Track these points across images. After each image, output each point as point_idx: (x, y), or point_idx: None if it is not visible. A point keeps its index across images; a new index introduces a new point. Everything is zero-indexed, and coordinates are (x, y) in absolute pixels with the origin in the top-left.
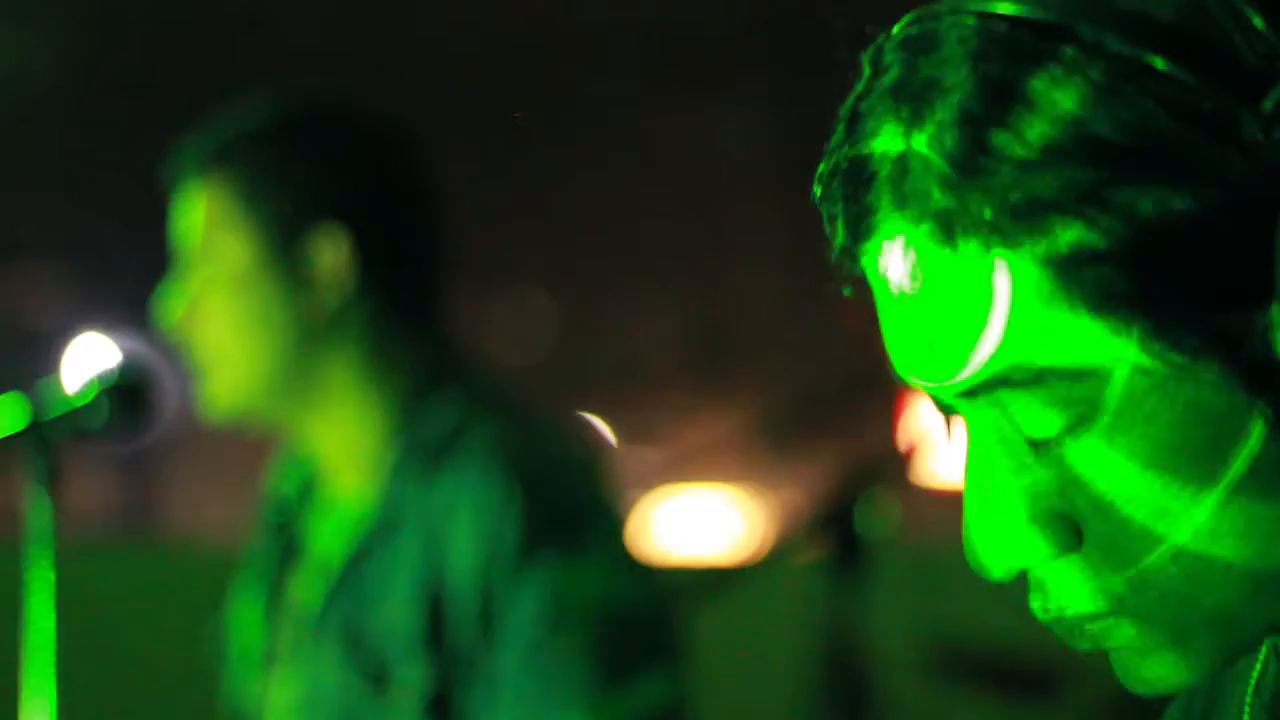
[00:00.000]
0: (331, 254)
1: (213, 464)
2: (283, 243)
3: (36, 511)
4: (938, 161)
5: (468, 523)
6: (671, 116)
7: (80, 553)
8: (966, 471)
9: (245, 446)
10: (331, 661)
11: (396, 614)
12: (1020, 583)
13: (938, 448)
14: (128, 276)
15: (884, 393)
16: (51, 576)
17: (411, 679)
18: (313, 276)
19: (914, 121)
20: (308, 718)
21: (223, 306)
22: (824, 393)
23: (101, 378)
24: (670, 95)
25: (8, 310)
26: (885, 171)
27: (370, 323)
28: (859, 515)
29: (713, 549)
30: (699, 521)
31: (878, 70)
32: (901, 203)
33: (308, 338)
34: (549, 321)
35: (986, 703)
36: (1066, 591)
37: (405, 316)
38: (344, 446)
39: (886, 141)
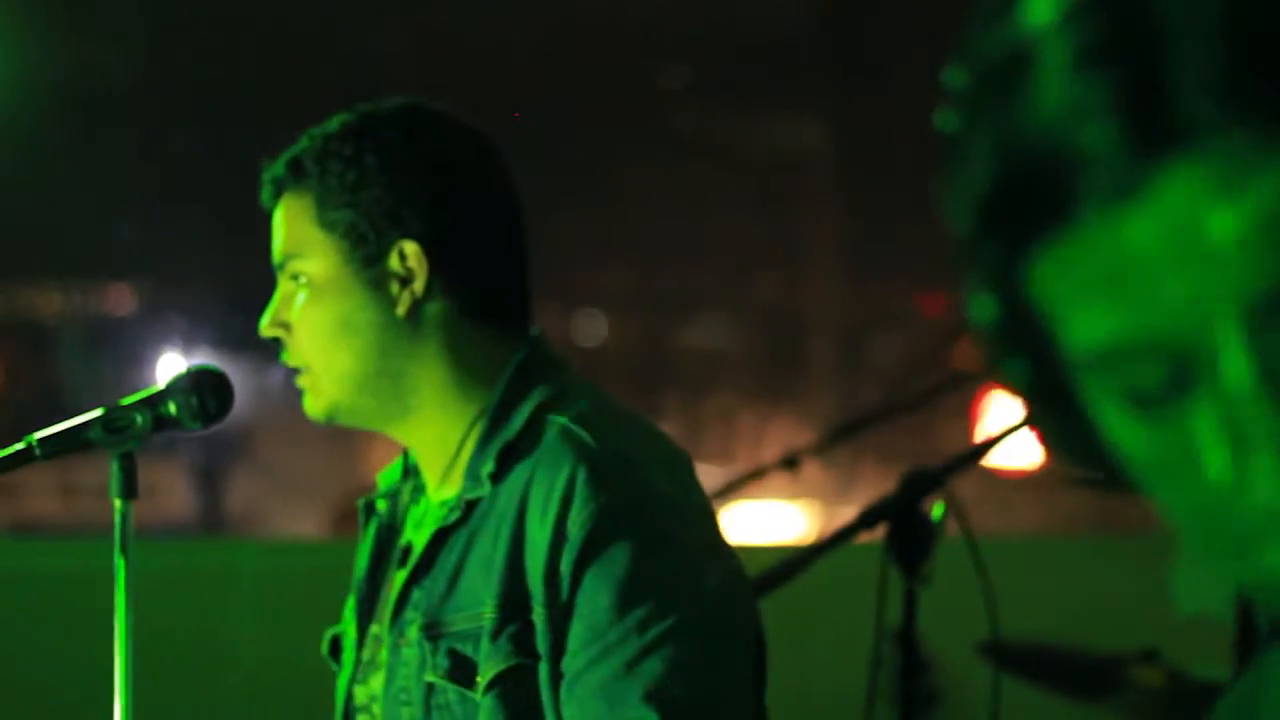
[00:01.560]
0: (410, 263)
1: (279, 473)
2: (363, 253)
3: (118, 505)
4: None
5: (539, 516)
6: (740, 122)
7: (159, 548)
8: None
9: (312, 455)
10: (411, 653)
11: (476, 608)
12: (1078, 577)
13: (1015, 441)
14: (214, 291)
15: (961, 389)
16: (125, 568)
17: (490, 671)
18: (394, 285)
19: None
20: (388, 708)
21: (312, 314)
22: (899, 399)
23: (176, 372)
24: (738, 100)
25: (96, 326)
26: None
27: (451, 327)
28: (924, 507)
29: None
30: (764, 535)
31: None
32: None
33: (392, 343)
34: (612, 333)
35: (1043, 695)
36: None
37: (486, 322)
38: (432, 446)
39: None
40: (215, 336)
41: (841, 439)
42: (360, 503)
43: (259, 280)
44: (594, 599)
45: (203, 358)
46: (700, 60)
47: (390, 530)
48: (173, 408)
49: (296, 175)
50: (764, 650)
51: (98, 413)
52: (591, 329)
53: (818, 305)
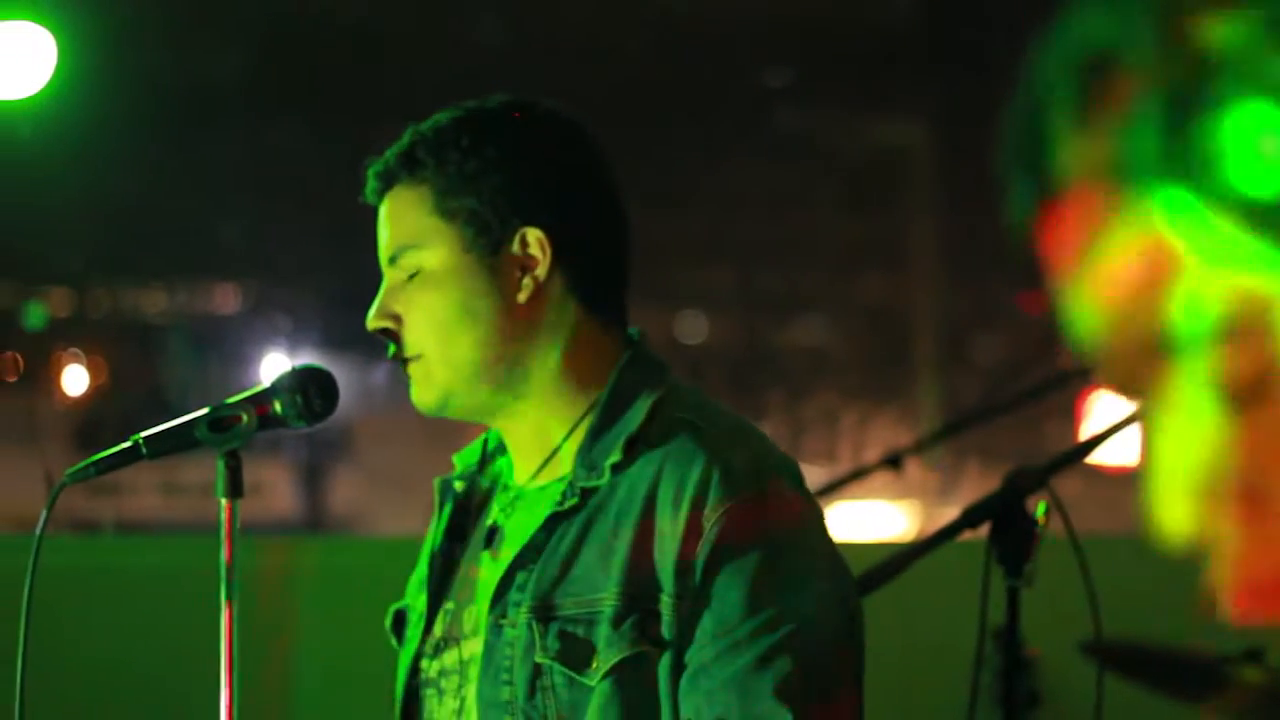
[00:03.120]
0: (533, 250)
1: (382, 471)
2: (486, 241)
3: (224, 504)
4: None
5: (671, 510)
6: (841, 122)
7: (263, 545)
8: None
9: (414, 453)
10: (516, 634)
11: (591, 593)
12: (1182, 576)
13: (1119, 440)
14: (318, 290)
15: (1064, 387)
16: (230, 565)
17: (611, 657)
18: (515, 272)
19: None
20: (485, 687)
21: (431, 302)
22: (1003, 396)
23: (282, 370)
24: (839, 100)
25: (201, 326)
26: None
27: (567, 316)
28: (1027, 506)
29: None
30: (867, 534)
31: None
32: None
33: (512, 329)
34: (714, 332)
35: (1145, 695)
36: None
37: (597, 312)
38: (533, 436)
39: None
40: (319, 335)
41: (944, 438)
42: (437, 481)
43: (363, 279)
44: (726, 594)
45: (307, 356)
46: (801, 61)
47: (466, 511)
48: (278, 406)
49: (410, 167)
50: (863, 654)
51: (204, 412)
52: (693, 327)
53: (919, 304)
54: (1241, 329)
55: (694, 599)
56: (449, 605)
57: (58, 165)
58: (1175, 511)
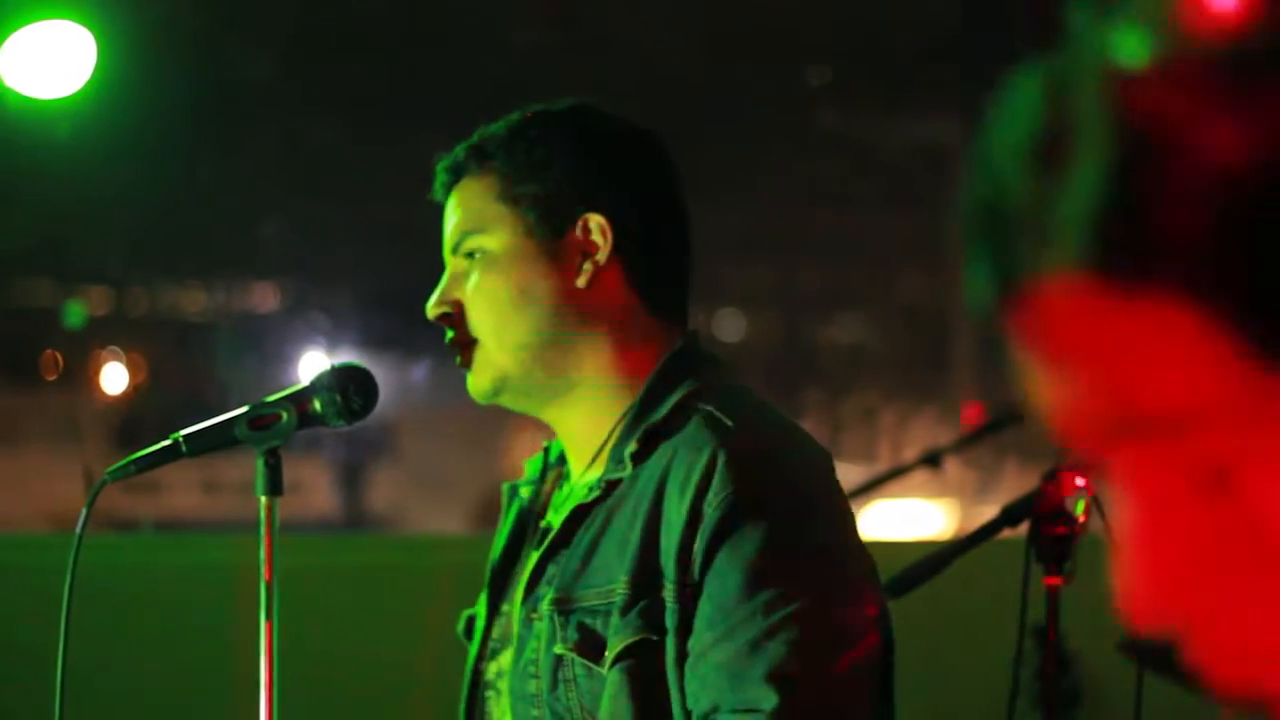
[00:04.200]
0: (594, 236)
1: (422, 470)
2: (549, 225)
3: (263, 502)
4: None
5: (678, 496)
6: (881, 119)
7: (303, 544)
8: None
9: (454, 452)
10: (542, 626)
11: (608, 584)
12: None
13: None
14: (357, 289)
15: None
16: (270, 564)
17: (617, 644)
18: (575, 257)
19: None
20: (516, 680)
21: (490, 284)
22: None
23: (321, 369)
24: (880, 98)
25: (241, 324)
26: None
27: (623, 306)
28: (1067, 504)
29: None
30: (906, 532)
31: None
32: None
33: (568, 313)
34: (752, 330)
35: (1185, 693)
36: None
37: (653, 307)
38: (583, 429)
39: None
40: (358, 334)
41: (983, 436)
42: (505, 486)
43: (402, 278)
44: (723, 579)
45: (346, 355)
46: (842, 58)
47: (530, 514)
48: (318, 405)
49: (479, 159)
50: (892, 654)
51: (243, 410)
52: (731, 326)
53: (959, 302)
54: (1206, 416)
55: (695, 585)
56: (505, 608)
57: (97, 164)
58: (1145, 590)
